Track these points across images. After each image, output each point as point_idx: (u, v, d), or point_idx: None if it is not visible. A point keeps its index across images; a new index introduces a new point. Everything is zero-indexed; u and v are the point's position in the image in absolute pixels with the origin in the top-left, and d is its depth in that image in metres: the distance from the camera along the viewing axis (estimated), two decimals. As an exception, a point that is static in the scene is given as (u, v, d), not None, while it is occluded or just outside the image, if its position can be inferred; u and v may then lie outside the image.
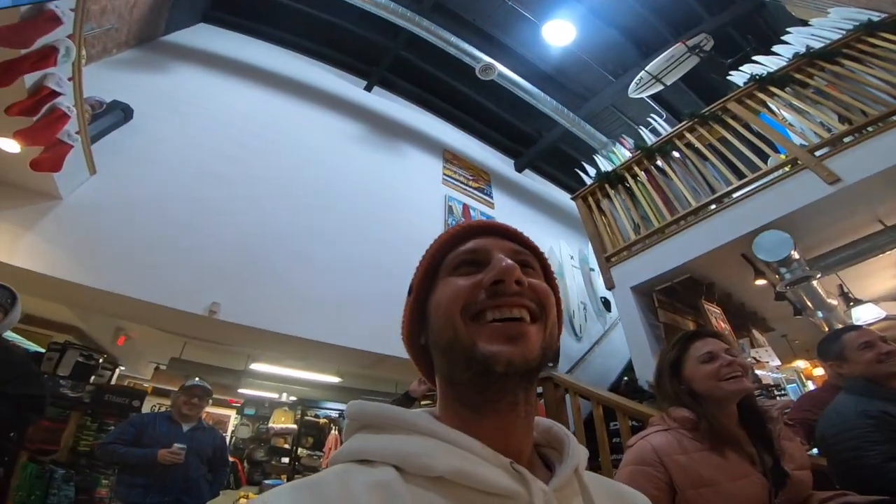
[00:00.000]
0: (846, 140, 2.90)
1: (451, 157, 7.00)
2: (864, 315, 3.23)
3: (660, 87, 5.50)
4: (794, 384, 3.37)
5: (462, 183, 6.78)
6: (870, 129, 2.83)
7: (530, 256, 0.49)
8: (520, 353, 0.40)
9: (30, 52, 2.32)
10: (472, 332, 0.41)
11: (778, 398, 3.00)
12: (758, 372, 3.03)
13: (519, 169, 8.13)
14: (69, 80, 2.69)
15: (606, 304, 6.12)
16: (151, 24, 4.98)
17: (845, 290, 3.50)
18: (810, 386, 4.06)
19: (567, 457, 0.44)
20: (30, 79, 2.42)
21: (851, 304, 3.38)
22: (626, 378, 3.74)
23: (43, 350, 3.48)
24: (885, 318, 3.40)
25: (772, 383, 3.00)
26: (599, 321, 6.13)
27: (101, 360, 3.69)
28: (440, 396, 0.45)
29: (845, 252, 3.18)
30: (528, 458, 0.43)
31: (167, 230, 3.66)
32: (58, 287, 3.17)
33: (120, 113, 3.83)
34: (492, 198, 7.06)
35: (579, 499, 0.41)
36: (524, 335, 0.41)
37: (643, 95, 5.68)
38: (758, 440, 1.12)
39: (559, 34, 5.44)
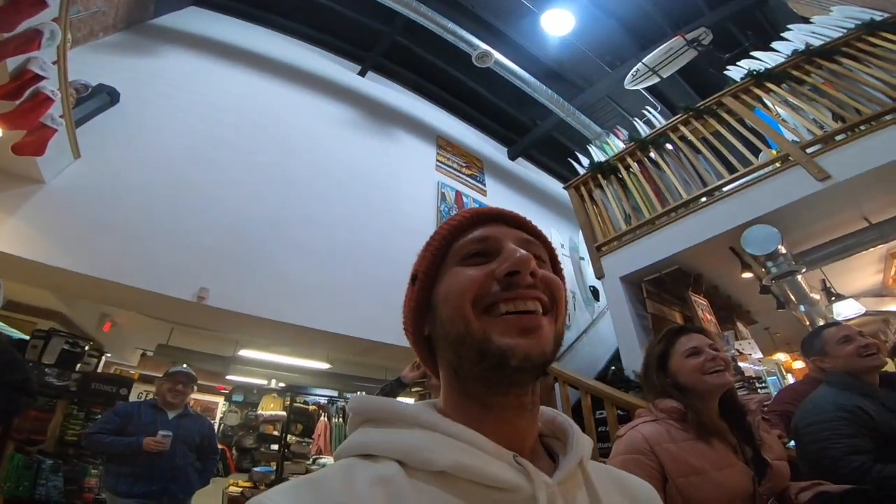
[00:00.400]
0: (838, 138, 2.94)
1: (445, 144, 6.94)
2: (844, 310, 3.30)
3: (656, 80, 5.48)
4: (775, 377, 3.47)
5: (455, 170, 6.75)
6: (862, 127, 2.86)
7: (539, 246, 0.47)
8: (537, 346, 0.39)
9: (13, 36, 2.25)
10: (484, 324, 0.40)
11: (759, 390, 3.08)
12: (741, 364, 3.10)
13: (512, 157, 8.10)
14: (54, 63, 2.61)
15: (595, 293, 6.18)
16: (140, 7, 4.81)
17: (828, 285, 3.58)
18: (790, 379, 4.17)
19: (571, 448, 0.43)
20: (12, 62, 2.35)
21: (833, 299, 3.45)
22: (613, 367, 3.79)
23: (27, 337, 3.41)
24: (865, 314, 3.49)
25: (753, 375, 3.08)
26: (588, 310, 6.19)
27: (86, 348, 3.64)
28: (444, 388, 0.44)
29: (830, 248, 3.24)
30: (532, 450, 0.42)
31: (154, 215, 3.59)
32: (41, 272, 3.11)
33: (106, 97, 3.72)
34: (484, 185, 7.04)
35: (583, 491, 0.41)
36: (539, 328, 0.40)
37: (639, 87, 5.66)
38: (738, 431, 1.16)
39: (558, 23, 5.36)
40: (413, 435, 0.38)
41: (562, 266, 0.51)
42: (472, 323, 0.40)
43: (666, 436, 1.11)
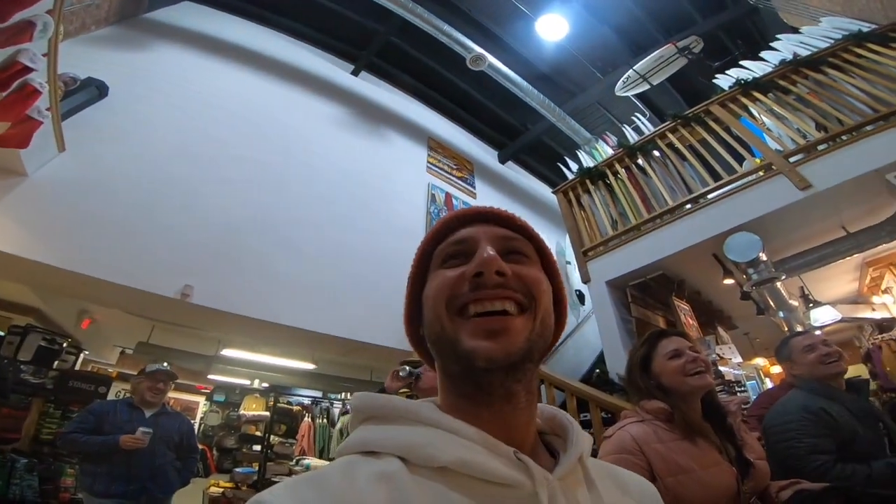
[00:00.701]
0: (820, 147, 3.00)
1: (436, 146, 6.95)
2: (821, 317, 3.40)
3: (646, 87, 5.56)
4: (754, 381, 3.55)
5: (446, 172, 6.76)
6: (844, 137, 2.93)
7: (522, 241, 0.47)
8: (500, 349, 0.39)
9: (5, 27, 2.22)
10: (456, 326, 0.41)
11: (738, 393, 3.15)
12: (721, 368, 3.16)
13: (503, 160, 8.14)
14: (44, 55, 2.57)
15: (581, 297, 6.23)
16: (134, 1, 4.74)
17: (806, 292, 3.67)
18: (768, 383, 4.27)
19: (571, 444, 0.43)
20: (1, 54, 2.32)
21: (811, 305, 3.54)
22: (597, 370, 3.84)
23: (2, 333, 3.32)
24: (841, 321, 3.59)
25: (733, 379, 3.15)
26: (573, 313, 6.23)
27: (64, 345, 3.55)
28: (440, 387, 0.45)
29: (809, 256, 3.33)
30: (532, 447, 0.43)
31: (140, 210, 3.53)
32: (20, 266, 3.03)
33: (94, 90, 3.65)
34: (474, 188, 7.07)
35: (583, 487, 0.41)
36: (506, 330, 0.40)
37: (629, 94, 5.74)
38: (720, 432, 1.19)
39: (552, 29, 5.43)
40: (415, 431, 0.39)
41: (554, 260, 0.50)
42: (445, 325, 0.42)
43: (653, 436, 1.13)
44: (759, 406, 2.12)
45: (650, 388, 1.24)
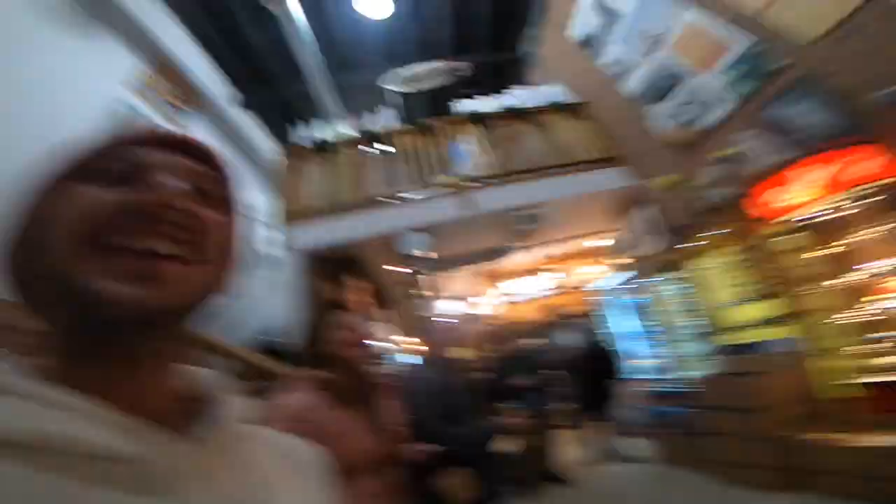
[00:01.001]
0: (492, 180, 3.89)
1: (164, 63, 5.43)
2: (445, 307, 4.50)
3: (409, 90, 5.96)
4: (396, 355, 4.31)
5: (160, 96, 5.39)
6: (513, 177, 3.89)
7: (215, 183, 0.40)
8: (155, 298, 0.32)
9: None
10: (90, 262, 0.31)
11: (383, 365, 3.71)
12: (373, 342, 3.66)
13: (244, 107, 7.21)
14: None
15: (260, 258, 5.90)
16: None
17: (440, 286, 4.73)
18: (408, 358, 5.23)
19: (213, 410, 0.38)
20: None
21: (440, 296, 4.63)
22: (263, 337, 3.77)
23: None
24: (459, 312, 4.83)
25: (380, 352, 3.70)
26: (246, 275, 5.89)
27: None
28: (42, 343, 0.35)
29: (454, 260, 4.32)
30: (164, 414, 0.35)
31: None
32: None
33: None
34: (190, 124, 5.90)
35: (224, 455, 0.37)
36: (164, 275, 0.32)
37: (393, 89, 6.02)
38: (370, 400, 1.32)
39: (372, 5, 5.25)
40: None
41: (242, 212, 0.43)
42: (73, 258, 0.33)
43: (313, 403, 1.18)
44: (398, 377, 2.58)
45: (317, 357, 1.30)
